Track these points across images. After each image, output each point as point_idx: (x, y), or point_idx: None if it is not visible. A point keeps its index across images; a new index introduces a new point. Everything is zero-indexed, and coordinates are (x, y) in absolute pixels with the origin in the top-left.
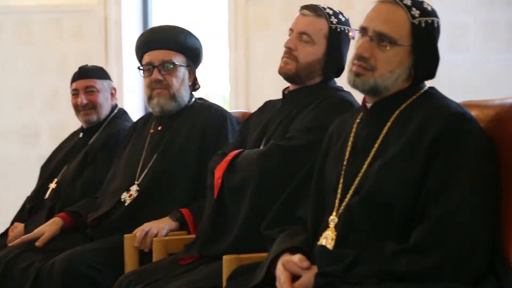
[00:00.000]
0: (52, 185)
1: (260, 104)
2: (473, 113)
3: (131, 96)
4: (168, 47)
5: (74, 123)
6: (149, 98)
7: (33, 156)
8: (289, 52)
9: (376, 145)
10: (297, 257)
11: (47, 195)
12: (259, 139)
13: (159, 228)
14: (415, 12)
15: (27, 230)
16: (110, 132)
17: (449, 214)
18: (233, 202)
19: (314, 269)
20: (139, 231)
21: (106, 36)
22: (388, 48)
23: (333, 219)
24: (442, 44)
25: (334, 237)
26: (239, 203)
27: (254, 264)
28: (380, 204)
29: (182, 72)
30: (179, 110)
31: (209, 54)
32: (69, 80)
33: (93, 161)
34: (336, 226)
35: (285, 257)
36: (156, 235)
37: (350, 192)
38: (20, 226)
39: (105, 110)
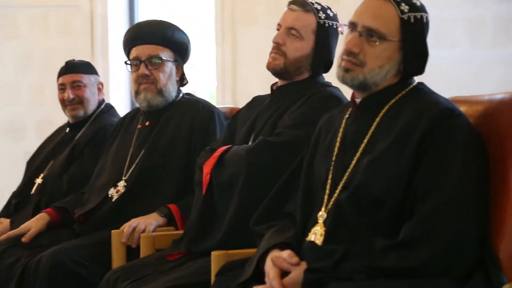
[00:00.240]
0: (38, 180)
1: (247, 99)
2: (462, 108)
3: (117, 92)
4: (155, 42)
5: (60, 118)
6: (136, 93)
7: (19, 151)
8: (278, 48)
9: (365, 141)
10: (286, 253)
11: (33, 190)
12: (248, 135)
13: (147, 223)
14: (404, 7)
15: (13, 225)
16: (97, 127)
17: (438, 209)
18: (221, 198)
19: (303, 265)
20: (126, 227)
21: (92, 31)
22: (377, 43)
23: (322, 214)
24: (429, 40)
25: (323, 233)
26: (227, 199)
27: (243, 260)
28: (369, 199)
29: (169, 67)
30: (166, 105)
31: (196, 50)
32: (55, 75)
33: (80, 156)
34: (325, 222)
35: (274, 253)
36: (143, 231)
37: (339, 187)
38: (5, 221)
39: (92, 105)
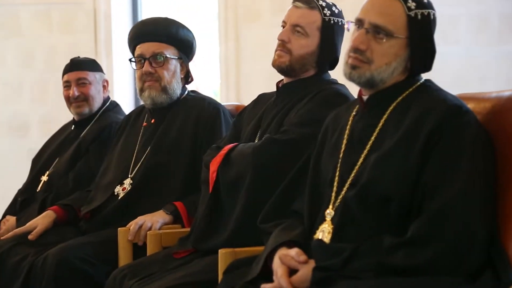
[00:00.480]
0: (44, 178)
1: (250, 97)
2: (470, 105)
3: (121, 89)
4: (160, 39)
5: (64, 115)
6: (141, 90)
7: (22, 148)
8: (283, 45)
9: (373, 138)
10: (294, 251)
11: (39, 188)
12: (254, 132)
13: (153, 221)
14: (411, 4)
15: (19, 223)
16: (103, 124)
17: (446, 207)
18: (228, 196)
19: (312, 263)
20: (133, 225)
21: (95, 29)
22: (384, 40)
23: (329, 212)
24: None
25: (331, 230)
26: (234, 197)
27: (250, 258)
28: (377, 197)
29: (174, 64)
30: (171, 102)
31: (199, 47)
32: (58, 72)
33: (86, 153)
34: (332, 219)
35: (282, 251)
36: (150, 229)
37: (347, 185)
38: (12, 219)
39: (97, 103)
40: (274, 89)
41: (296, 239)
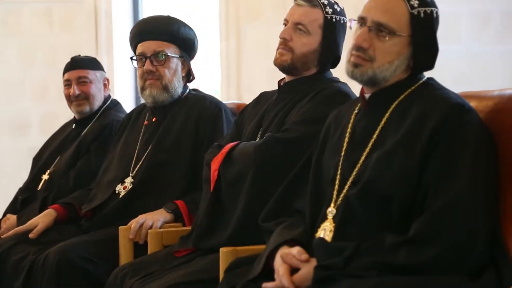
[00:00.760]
0: (45, 177)
1: (251, 95)
2: (472, 104)
3: (122, 87)
4: (161, 38)
5: (65, 114)
6: (142, 89)
7: (23, 147)
8: (285, 43)
9: (375, 136)
10: (295, 250)
11: (39, 187)
12: (255, 131)
13: (154, 220)
14: (414, 2)
15: (20, 221)
16: (104, 123)
17: (449, 206)
18: (230, 195)
19: (313, 262)
20: (134, 223)
21: (96, 27)
22: (387, 38)
23: (331, 210)
24: None
25: (332, 229)
26: (236, 196)
27: (252, 257)
28: (379, 195)
29: (175, 63)
30: (172, 101)
31: (200, 45)
32: (59, 70)
33: (86, 152)
34: (334, 218)
35: (284, 250)
36: (151, 227)
37: (348, 183)
38: (12, 217)
39: (98, 101)
40: (276, 87)
41: (298, 238)
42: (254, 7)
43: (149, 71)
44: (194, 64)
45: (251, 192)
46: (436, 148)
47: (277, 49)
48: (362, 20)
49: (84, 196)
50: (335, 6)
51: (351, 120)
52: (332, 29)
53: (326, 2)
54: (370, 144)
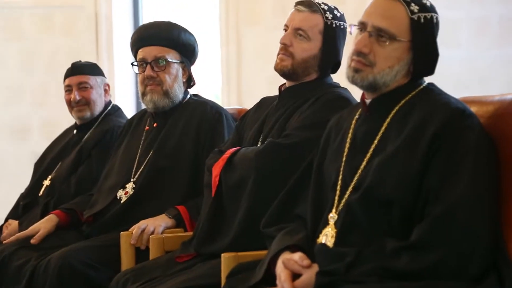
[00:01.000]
0: (46, 182)
1: (252, 100)
2: (473, 109)
3: (123, 93)
4: (162, 43)
5: (65, 119)
6: (143, 94)
7: (24, 152)
8: (285, 49)
9: (375, 141)
10: (297, 255)
11: (41, 192)
12: (256, 136)
13: (156, 225)
14: (414, 7)
15: (21, 227)
16: (105, 128)
17: (450, 211)
18: (231, 200)
19: (315, 268)
20: (135, 229)
21: (97, 32)
22: (387, 43)
23: (332, 216)
24: None
25: (334, 234)
26: (237, 201)
27: (253, 262)
28: (380, 200)
29: (175, 68)
30: (173, 106)
31: (200, 51)
32: (60, 75)
33: (88, 157)
34: (335, 223)
35: (285, 255)
36: (152, 233)
37: (350, 188)
38: (14, 223)
39: (98, 107)
40: (276, 92)
41: (299, 244)
42: (254, 12)
43: (150, 76)
44: (194, 69)
45: (252, 197)
46: (437, 153)
47: (278, 54)
48: (362, 26)
49: (85, 202)
50: (335, 12)
51: (352, 126)
52: (332, 34)
53: (326, 8)
54: (371, 149)
